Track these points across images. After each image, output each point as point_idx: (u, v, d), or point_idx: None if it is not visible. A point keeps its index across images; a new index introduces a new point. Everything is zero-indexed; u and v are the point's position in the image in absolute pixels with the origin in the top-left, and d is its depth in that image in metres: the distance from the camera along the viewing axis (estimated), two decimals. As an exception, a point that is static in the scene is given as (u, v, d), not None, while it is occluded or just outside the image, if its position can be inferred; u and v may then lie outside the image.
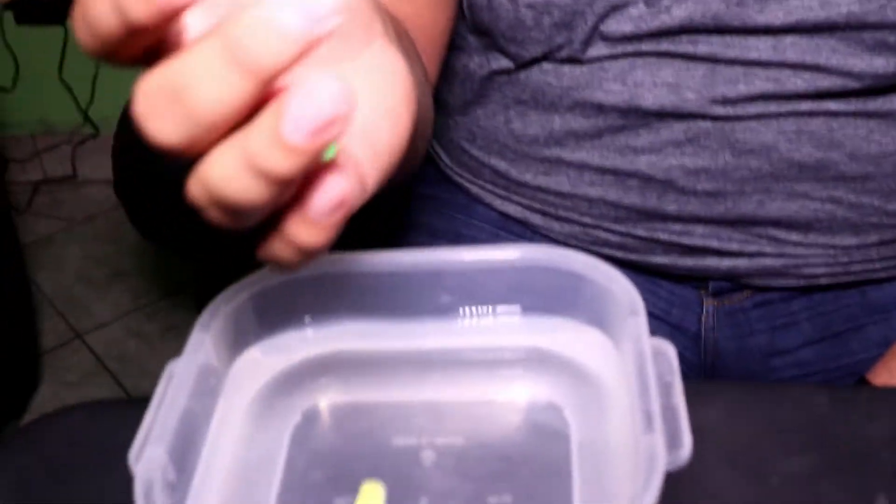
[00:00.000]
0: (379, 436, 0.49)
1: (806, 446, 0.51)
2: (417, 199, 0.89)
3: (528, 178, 0.78)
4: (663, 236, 0.76)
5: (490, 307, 0.52)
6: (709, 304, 0.83)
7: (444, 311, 0.52)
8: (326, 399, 0.51)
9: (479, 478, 0.47)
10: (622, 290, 0.48)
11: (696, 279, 0.81)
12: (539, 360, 0.51)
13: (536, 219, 0.80)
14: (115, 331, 1.88)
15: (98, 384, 1.76)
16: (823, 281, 0.79)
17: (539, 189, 0.78)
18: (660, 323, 0.82)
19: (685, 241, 0.76)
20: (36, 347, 1.82)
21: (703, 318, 0.83)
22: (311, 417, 0.51)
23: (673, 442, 0.41)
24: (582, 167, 0.74)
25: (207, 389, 0.48)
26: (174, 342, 1.79)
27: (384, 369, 0.52)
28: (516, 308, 0.52)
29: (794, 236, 0.75)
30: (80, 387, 1.76)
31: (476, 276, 0.51)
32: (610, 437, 0.47)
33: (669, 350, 0.46)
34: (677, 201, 0.74)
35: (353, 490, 0.47)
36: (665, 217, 0.75)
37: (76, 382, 1.78)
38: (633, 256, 0.79)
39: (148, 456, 0.42)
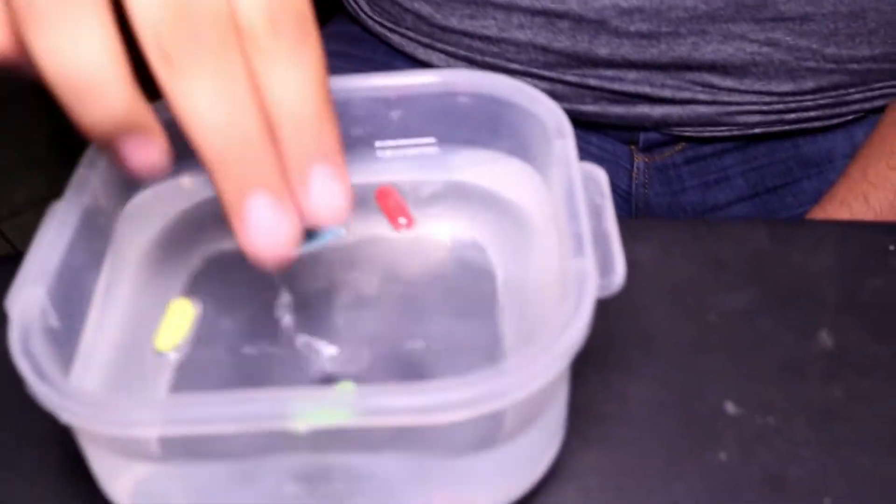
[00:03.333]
0: (289, 279, 0.45)
1: (745, 282, 0.48)
2: (333, 59, 0.84)
3: (453, 22, 0.73)
4: (594, 82, 0.73)
5: (406, 139, 0.48)
6: (639, 159, 0.80)
7: (355, 144, 0.48)
8: (230, 243, 0.47)
9: (397, 319, 0.43)
10: (548, 112, 0.44)
11: (626, 129, 0.77)
12: (460, 195, 0.48)
13: (461, 67, 0.76)
14: (30, 217, 1.81)
15: (14, 271, 1.71)
16: (757, 130, 0.76)
17: (464, 34, 0.73)
18: (590, 181, 0.79)
19: (616, 86, 0.73)
20: (-52, 236, 1.75)
21: (633, 175, 0.80)
22: (214, 263, 0.46)
23: (605, 267, 0.38)
24: (510, 9, 0.70)
25: (95, 231, 0.43)
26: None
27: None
28: (433, 139, 0.48)
29: (729, 82, 0.72)
30: (-7, 276, 1.70)
31: (389, 106, 0.47)
32: (536, 273, 0.44)
33: (600, 174, 0.42)
34: (609, 44, 0.70)
35: (264, 337, 0.44)
36: (596, 62, 0.71)
37: (-11, 272, 1.72)
38: (562, 105, 0.75)
39: (25, 297, 0.38)
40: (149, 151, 0.35)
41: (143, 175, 0.35)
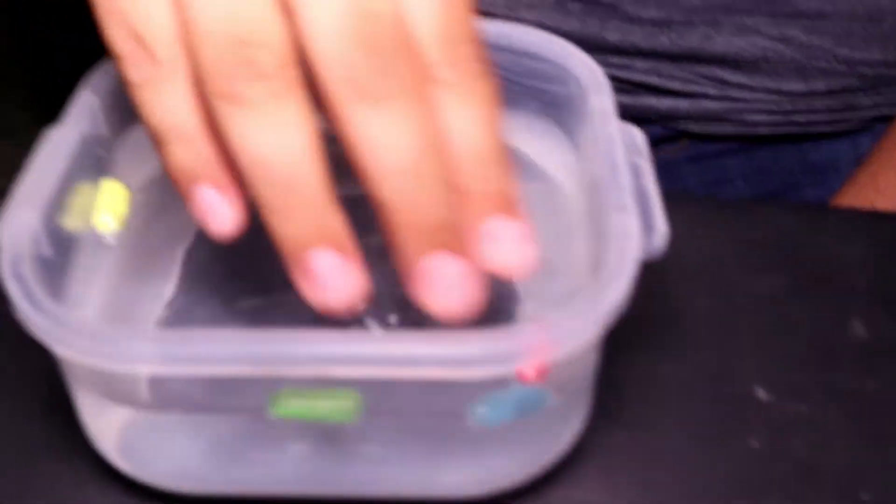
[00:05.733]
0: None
1: (772, 266, 0.46)
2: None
3: None
4: (601, 69, 0.70)
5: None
6: (641, 155, 0.78)
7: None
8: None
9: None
10: (582, 66, 0.41)
11: (630, 121, 0.75)
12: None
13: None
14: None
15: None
16: (763, 130, 0.74)
17: (470, 11, 0.71)
18: (590, 175, 0.77)
19: (623, 75, 0.70)
20: None
21: (632, 171, 0.78)
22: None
23: (646, 226, 0.35)
24: None
25: (93, 160, 0.40)
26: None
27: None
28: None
29: (739, 77, 0.70)
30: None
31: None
32: (561, 249, 0.41)
33: (636, 133, 0.40)
34: (620, 29, 0.68)
35: (261, 292, 0.41)
36: (605, 48, 0.69)
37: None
38: (567, 91, 0.73)
39: (17, 222, 0.34)
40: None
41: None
